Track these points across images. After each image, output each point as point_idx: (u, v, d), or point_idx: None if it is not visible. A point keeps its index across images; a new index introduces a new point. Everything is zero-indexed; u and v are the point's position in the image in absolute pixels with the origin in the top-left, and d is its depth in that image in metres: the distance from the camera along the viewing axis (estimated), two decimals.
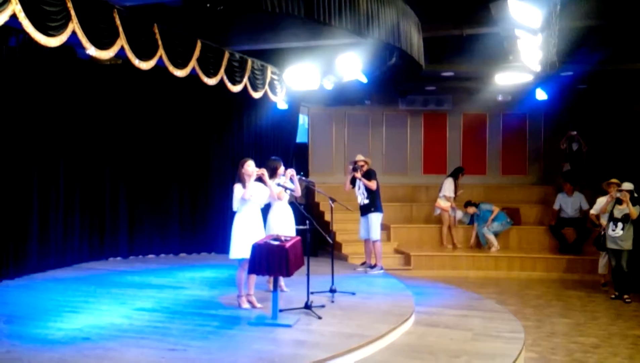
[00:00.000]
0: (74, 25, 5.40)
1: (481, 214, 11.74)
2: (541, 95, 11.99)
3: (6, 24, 4.86)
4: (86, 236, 9.47)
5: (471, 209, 11.85)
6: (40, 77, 8.20)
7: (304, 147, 13.34)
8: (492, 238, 11.55)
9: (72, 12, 5.35)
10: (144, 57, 6.52)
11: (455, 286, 9.37)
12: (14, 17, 4.80)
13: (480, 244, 11.82)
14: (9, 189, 7.91)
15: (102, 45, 5.88)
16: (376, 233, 9.06)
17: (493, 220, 11.65)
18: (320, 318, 6.18)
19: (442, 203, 11.80)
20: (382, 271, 9.08)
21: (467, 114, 13.78)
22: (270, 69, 9.21)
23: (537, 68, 8.30)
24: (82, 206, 9.32)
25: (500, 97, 12.45)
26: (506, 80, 10.33)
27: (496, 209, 11.71)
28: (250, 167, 6.45)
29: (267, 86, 9.20)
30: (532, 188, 13.51)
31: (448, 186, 11.85)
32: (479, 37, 8.95)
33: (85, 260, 9.42)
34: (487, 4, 7.07)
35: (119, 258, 9.93)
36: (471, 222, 11.96)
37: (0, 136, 7.79)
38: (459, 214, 12.09)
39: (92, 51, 5.78)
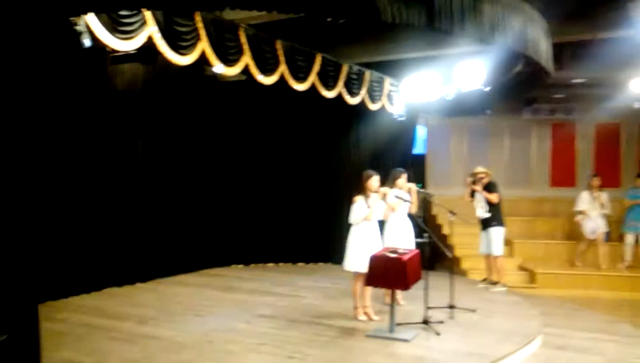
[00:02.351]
0: (203, 44, 5.72)
1: None
2: None
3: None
4: (211, 244, 9.99)
5: None
6: (172, 94, 8.77)
7: (421, 158, 13.13)
8: None
9: (202, 32, 5.67)
10: (266, 73, 6.76)
11: (586, 307, 8.74)
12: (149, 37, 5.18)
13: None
14: (142, 198, 8.56)
15: (228, 62, 6.17)
16: (498, 248, 8.67)
17: None
18: (438, 334, 6.00)
19: (576, 218, 11.01)
20: (504, 288, 8.66)
21: (599, 123, 12.84)
22: (388, 80, 9.18)
23: None
24: (207, 214, 9.87)
25: (637, 105, 11.48)
26: None
27: None
28: (375, 183, 6.45)
29: (384, 98, 9.17)
30: None
31: (581, 199, 11.03)
32: (612, 41, 8.32)
33: (209, 265, 9.95)
34: (622, 5, 6.57)
35: (240, 265, 10.34)
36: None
37: (138, 153, 8.47)
38: (599, 227, 10.88)
39: (219, 68, 6.08)
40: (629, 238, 10.72)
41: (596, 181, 10.88)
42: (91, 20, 4.62)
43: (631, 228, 10.73)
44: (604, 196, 10.79)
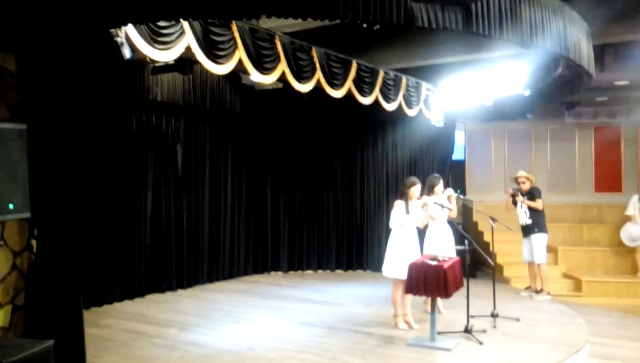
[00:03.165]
0: (240, 53, 5.77)
1: None
2: None
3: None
4: (250, 251, 10.08)
5: None
6: (211, 103, 8.89)
7: (460, 164, 12.95)
8: None
9: (239, 41, 5.72)
10: (302, 80, 6.77)
11: (634, 316, 8.44)
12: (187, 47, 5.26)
13: None
14: (183, 207, 8.70)
15: (265, 70, 6.21)
16: (541, 256, 8.46)
17: None
18: (481, 343, 5.88)
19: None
20: (549, 297, 8.43)
21: None
22: (425, 85, 9.08)
23: None
24: (246, 223, 9.97)
25: None
26: None
27: None
28: (417, 191, 6.43)
29: (421, 103, 9.07)
30: None
31: (630, 203, 10.68)
32: None
33: (248, 273, 10.03)
34: None
35: (279, 273, 10.37)
36: None
37: (178, 161, 8.63)
38: None
39: (256, 76, 6.13)
40: None
41: None
42: (130, 31, 4.71)
43: None
44: None
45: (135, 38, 4.79)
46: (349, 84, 7.45)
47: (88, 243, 7.19)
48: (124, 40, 4.71)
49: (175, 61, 5.82)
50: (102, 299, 7.55)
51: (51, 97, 4.77)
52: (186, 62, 6.59)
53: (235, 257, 9.77)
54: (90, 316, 6.69)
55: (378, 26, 6.42)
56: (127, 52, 4.76)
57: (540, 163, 12.78)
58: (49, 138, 4.78)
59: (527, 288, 8.84)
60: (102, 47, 4.77)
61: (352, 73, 7.49)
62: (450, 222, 7.20)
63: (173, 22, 5.04)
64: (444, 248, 6.87)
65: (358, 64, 7.56)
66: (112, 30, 4.64)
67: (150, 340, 6.05)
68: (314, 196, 10.61)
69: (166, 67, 6.97)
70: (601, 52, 8.57)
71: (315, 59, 6.89)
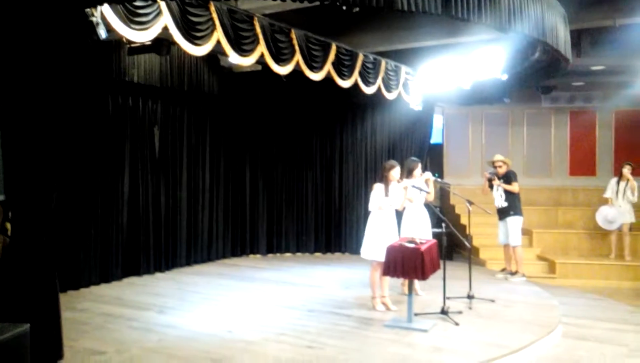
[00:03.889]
0: (218, 34, 5.70)
1: None
2: None
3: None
4: (229, 234, 10.06)
5: None
6: (188, 85, 8.80)
7: (438, 148, 13.04)
8: None
9: (217, 22, 5.65)
10: (281, 62, 6.73)
11: (607, 297, 8.64)
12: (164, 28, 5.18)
13: None
14: (160, 189, 8.63)
15: (243, 52, 6.16)
16: (516, 238, 8.59)
17: None
18: (457, 324, 5.97)
19: None
20: (524, 278, 8.59)
21: (620, 111, 12.63)
22: (404, 69, 9.09)
23: None
24: (225, 206, 9.93)
25: None
26: None
27: None
28: (396, 174, 6.45)
29: (400, 87, 9.08)
30: None
31: (608, 186, 10.83)
32: (632, 27, 8.15)
33: (227, 256, 10.03)
34: None
35: (258, 255, 10.38)
36: None
37: (155, 144, 8.53)
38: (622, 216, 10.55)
39: (234, 58, 6.07)
40: None
41: (626, 169, 10.63)
42: (106, 11, 4.62)
43: None
44: (633, 184, 10.53)
45: (111, 18, 4.70)
46: (328, 66, 7.42)
47: (64, 226, 7.11)
48: (99, 20, 4.63)
49: (152, 41, 5.72)
50: (79, 282, 7.48)
51: (24, 78, 4.66)
52: (163, 43, 6.51)
53: (214, 240, 9.75)
54: (67, 299, 6.64)
55: (357, 9, 6.40)
56: (102, 33, 4.67)
57: (516, 147, 12.94)
58: (23, 120, 4.69)
59: (503, 270, 8.98)
60: (77, 28, 4.67)
61: (332, 56, 7.46)
62: (427, 205, 7.27)
63: (150, 2, 4.96)
64: (420, 231, 6.93)
65: (337, 46, 7.53)
66: (88, 9, 4.55)
67: (127, 323, 6.02)
68: (293, 179, 10.61)
69: (143, 48, 6.87)
70: (578, 37, 8.64)
71: (295, 41, 6.84)
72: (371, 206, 6.49)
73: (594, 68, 10.66)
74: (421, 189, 6.96)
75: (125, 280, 8.07)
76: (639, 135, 12.59)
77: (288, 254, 10.61)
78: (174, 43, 5.63)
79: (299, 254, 10.64)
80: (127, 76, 7.63)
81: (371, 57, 8.30)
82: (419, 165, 7.26)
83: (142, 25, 4.98)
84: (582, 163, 12.78)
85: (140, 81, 7.86)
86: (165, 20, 5.11)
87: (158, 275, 8.53)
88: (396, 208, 6.61)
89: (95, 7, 4.54)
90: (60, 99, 4.94)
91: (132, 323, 6.03)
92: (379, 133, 10.87)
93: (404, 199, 6.70)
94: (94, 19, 4.58)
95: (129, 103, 8.18)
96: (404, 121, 10.55)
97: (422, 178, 7.14)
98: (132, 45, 6.82)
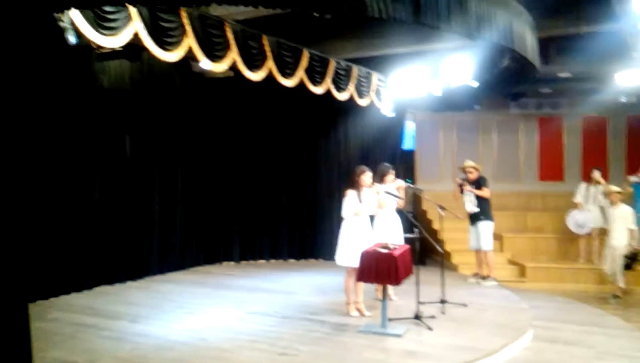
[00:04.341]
0: (189, 40, 5.69)
1: None
2: None
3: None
4: (202, 242, 9.97)
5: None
6: (160, 91, 8.73)
7: (410, 154, 13.15)
8: None
9: (188, 28, 5.64)
10: (254, 69, 6.74)
11: (576, 300, 8.80)
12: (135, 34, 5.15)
13: None
14: (131, 196, 8.52)
15: (215, 58, 6.15)
16: (487, 243, 8.71)
17: None
18: (430, 329, 6.02)
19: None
20: (495, 282, 8.70)
21: (586, 117, 12.93)
22: (375, 76, 9.18)
23: None
24: (198, 212, 9.83)
25: (623, 99, 11.55)
26: (628, 79, 9.59)
27: None
28: (368, 178, 6.46)
29: (372, 93, 9.17)
30: None
31: (577, 191, 10.98)
32: (597, 35, 8.37)
33: (200, 263, 9.94)
34: None
35: (232, 263, 10.32)
36: None
37: (127, 151, 8.42)
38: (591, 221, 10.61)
39: (206, 63, 6.05)
40: None
41: (595, 174, 10.72)
42: (75, 16, 4.57)
43: None
44: (602, 189, 10.70)
45: (81, 23, 4.66)
46: (300, 73, 7.46)
47: (33, 234, 6.95)
48: (68, 25, 4.58)
49: (122, 47, 5.68)
50: (49, 292, 7.31)
51: None
52: (134, 48, 6.46)
53: (187, 247, 9.65)
54: (37, 309, 6.49)
55: (329, 15, 6.46)
56: (71, 38, 4.62)
57: (486, 153, 13.14)
58: None
59: (475, 274, 9.09)
60: (46, 32, 4.61)
61: (304, 62, 7.51)
62: (399, 211, 7.32)
63: (120, 8, 4.92)
64: (392, 236, 6.97)
65: (310, 53, 7.57)
66: (56, 14, 4.49)
67: (99, 333, 5.92)
68: (266, 186, 10.57)
69: (113, 54, 6.82)
70: (545, 45, 8.83)
71: (267, 47, 6.86)
72: (344, 213, 6.49)
73: (561, 75, 10.90)
74: (393, 195, 7.01)
75: (97, 289, 7.91)
76: (605, 141, 12.92)
77: (262, 261, 10.57)
78: (144, 49, 5.58)
79: (272, 261, 10.60)
80: (96, 81, 7.53)
81: (343, 63, 8.36)
82: (392, 171, 7.30)
83: (112, 30, 4.95)
84: (551, 168, 13.04)
85: (111, 87, 7.77)
86: (136, 25, 5.09)
87: (130, 283, 8.40)
88: (371, 214, 6.64)
89: (63, 11, 4.49)
90: (29, 105, 4.86)
91: (104, 333, 5.93)
92: (352, 140, 10.93)
93: (377, 205, 6.74)
94: (62, 24, 4.53)
95: (99, 109, 8.06)
96: (377, 128, 10.63)
97: (395, 185, 7.19)
98: (102, 51, 6.75)
